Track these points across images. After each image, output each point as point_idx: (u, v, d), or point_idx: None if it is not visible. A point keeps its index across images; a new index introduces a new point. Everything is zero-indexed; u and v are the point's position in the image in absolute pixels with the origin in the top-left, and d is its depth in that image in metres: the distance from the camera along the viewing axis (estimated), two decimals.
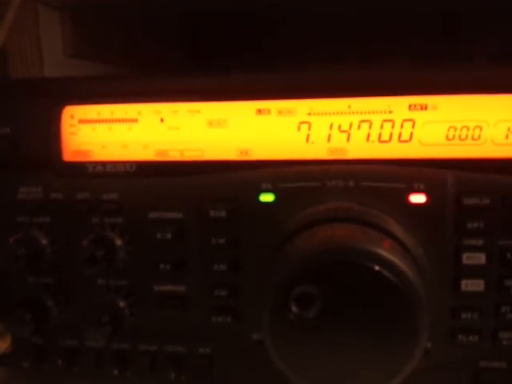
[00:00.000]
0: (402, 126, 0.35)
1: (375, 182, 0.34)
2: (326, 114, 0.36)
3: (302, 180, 0.35)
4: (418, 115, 0.35)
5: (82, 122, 0.38)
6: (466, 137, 0.35)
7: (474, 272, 0.34)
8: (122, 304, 0.37)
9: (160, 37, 0.69)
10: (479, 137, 0.35)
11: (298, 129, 0.36)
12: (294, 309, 0.28)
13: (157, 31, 0.69)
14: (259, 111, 0.36)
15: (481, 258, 0.34)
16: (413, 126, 0.35)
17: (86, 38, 0.58)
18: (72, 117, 0.38)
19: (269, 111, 0.36)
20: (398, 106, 0.35)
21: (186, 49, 0.72)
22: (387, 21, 0.53)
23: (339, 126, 0.36)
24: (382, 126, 0.35)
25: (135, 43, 0.65)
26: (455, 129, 0.35)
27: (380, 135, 0.35)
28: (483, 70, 0.35)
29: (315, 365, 0.29)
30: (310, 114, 0.36)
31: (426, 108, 0.35)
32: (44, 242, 0.37)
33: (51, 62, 0.53)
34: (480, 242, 0.34)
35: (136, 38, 0.65)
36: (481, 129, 0.35)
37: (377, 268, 0.28)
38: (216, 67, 0.38)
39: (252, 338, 0.37)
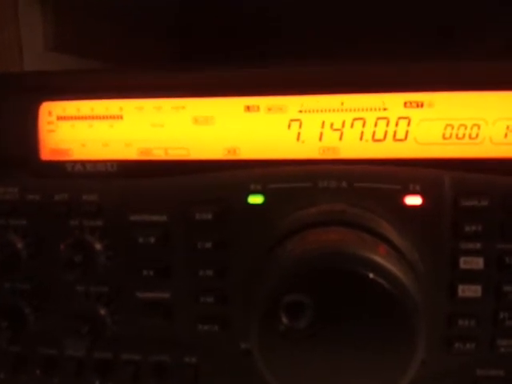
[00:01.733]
0: (396, 124, 0.34)
1: (369, 182, 0.32)
2: (317, 111, 0.34)
3: (293, 181, 0.33)
4: (413, 113, 0.33)
5: (60, 118, 0.36)
6: (464, 136, 0.34)
7: (471, 277, 0.33)
8: (102, 312, 0.35)
9: (146, 30, 0.67)
10: (477, 135, 0.33)
11: (289, 127, 0.34)
12: (284, 319, 0.27)
13: (142, 24, 0.67)
14: (248, 108, 0.34)
15: (478, 263, 0.33)
16: (408, 124, 0.34)
17: (69, 31, 0.55)
18: (50, 113, 0.36)
19: (258, 108, 0.34)
20: (392, 102, 0.34)
21: (172, 43, 0.70)
22: (381, 16, 0.52)
23: (331, 124, 0.34)
24: (376, 124, 0.34)
25: (120, 37, 0.63)
26: (452, 127, 0.34)
27: (374, 133, 0.34)
28: (482, 66, 0.34)
29: (306, 378, 0.28)
30: (301, 111, 0.34)
31: (422, 105, 0.33)
32: (20, 245, 0.35)
33: (31, 56, 0.51)
34: (478, 246, 0.33)
35: (121, 31, 0.63)
36: (479, 127, 0.33)
37: (371, 275, 0.26)
38: (204, 62, 0.36)
39: (240, 346, 0.35)
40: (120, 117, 0.35)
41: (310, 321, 0.27)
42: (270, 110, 0.34)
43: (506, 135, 0.33)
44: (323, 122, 0.34)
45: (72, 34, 0.56)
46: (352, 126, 0.34)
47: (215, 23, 0.63)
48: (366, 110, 0.34)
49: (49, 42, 0.53)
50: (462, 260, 0.33)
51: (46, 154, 0.36)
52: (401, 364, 0.27)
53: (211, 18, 0.64)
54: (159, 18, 0.68)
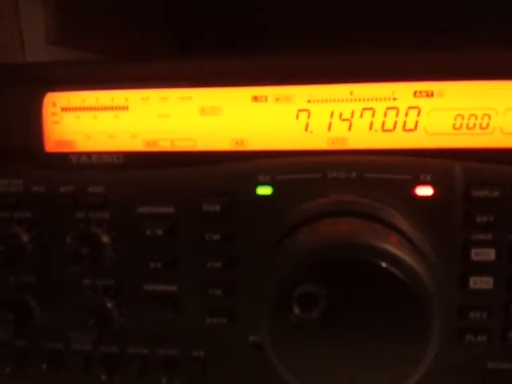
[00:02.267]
0: (406, 114, 0.33)
1: (379, 173, 0.32)
2: (326, 101, 0.34)
3: (302, 171, 0.33)
4: (423, 102, 0.33)
5: (64, 109, 0.35)
6: (474, 125, 0.33)
7: (482, 268, 0.32)
8: (109, 305, 0.35)
9: (147, 23, 0.67)
10: (487, 125, 0.33)
11: (297, 117, 0.34)
12: (297, 310, 0.26)
13: (143, 17, 0.66)
14: (255, 98, 0.34)
15: (490, 254, 0.32)
16: (418, 113, 0.33)
17: (70, 24, 0.55)
18: (54, 104, 0.35)
19: (265, 98, 0.34)
20: (402, 92, 0.33)
21: (173, 36, 0.70)
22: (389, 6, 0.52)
23: (340, 114, 0.34)
24: (385, 114, 0.33)
25: (121, 30, 0.62)
26: (462, 117, 0.33)
27: (383, 124, 0.33)
28: (492, 55, 0.33)
29: (319, 370, 0.27)
30: (309, 101, 0.34)
31: (432, 95, 0.33)
32: (25, 238, 0.35)
33: (33, 49, 0.50)
34: (489, 237, 0.32)
35: (122, 24, 0.62)
36: (489, 117, 0.33)
37: (384, 265, 0.26)
38: (207, 52, 0.35)
39: (248, 339, 0.35)
40: (125, 107, 0.35)
41: (322, 312, 0.26)
42: (277, 99, 0.34)
43: None
44: (332, 112, 0.34)
45: (73, 27, 0.55)
46: (361, 115, 0.33)
47: (216, 13, 0.63)
48: (376, 99, 0.33)
49: (50, 35, 0.53)
50: (473, 251, 0.32)
51: (50, 146, 0.36)
52: (415, 355, 0.27)
53: (212, 9, 0.63)
54: (159, 10, 0.68)
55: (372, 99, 0.33)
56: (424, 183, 0.32)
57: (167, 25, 0.70)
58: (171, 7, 0.68)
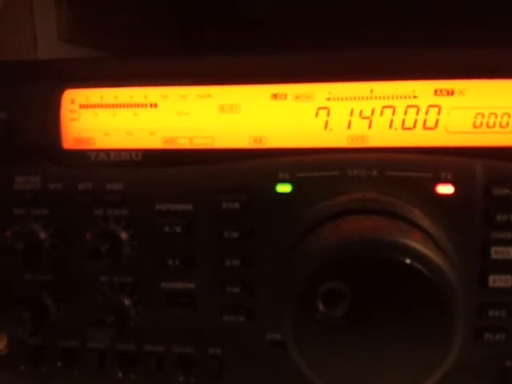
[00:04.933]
0: (427, 113, 0.33)
1: (400, 171, 0.32)
2: (346, 98, 0.33)
3: (321, 169, 0.33)
4: (444, 101, 0.33)
5: (83, 106, 0.35)
6: (494, 124, 0.33)
7: (502, 267, 0.32)
8: (126, 302, 0.35)
9: (158, 23, 0.67)
10: (507, 124, 0.33)
11: (316, 115, 0.34)
12: (321, 307, 0.26)
13: (155, 16, 0.66)
14: (275, 96, 0.34)
15: (510, 253, 0.32)
16: (438, 112, 0.33)
17: (83, 22, 0.55)
18: (72, 101, 0.35)
19: (285, 96, 0.34)
20: (423, 90, 0.33)
21: (185, 35, 0.70)
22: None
23: (360, 112, 0.34)
24: (405, 112, 0.33)
25: (134, 29, 0.62)
26: (482, 116, 0.33)
27: (404, 122, 0.33)
28: None
29: (342, 368, 0.27)
30: (329, 98, 0.33)
31: (452, 93, 0.33)
32: (42, 235, 0.35)
33: (45, 47, 0.50)
34: (510, 236, 0.32)
35: (135, 23, 0.62)
36: (509, 116, 0.33)
37: (409, 261, 0.26)
38: (222, 50, 0.35)
39: (266, 338, 0.34)
40: (144, 105, 0.35)
41: (346, 309, 0.26)
42: (297, 97, 0.34)
43: None
44: (352, 110, 0.34)
45: (85, 25, 0.55)
46: (381, 114, 0.33)
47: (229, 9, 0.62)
48: (396, 97, 0.33)
49: (62, 32, 0.53)
50: (493, 250, 0.32)
51: (68, 143, 0.36)
52: (438, 353, 0.26)
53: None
54: (173, 9, 0.68)
55: (392, 97, 0.33)
56: (445, 181, 0.32)
57: (178, 22, 0.70)
58: (182, 3, 0.67)
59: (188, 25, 0.69)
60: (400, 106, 0.33)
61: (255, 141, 0.34)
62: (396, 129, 0.33)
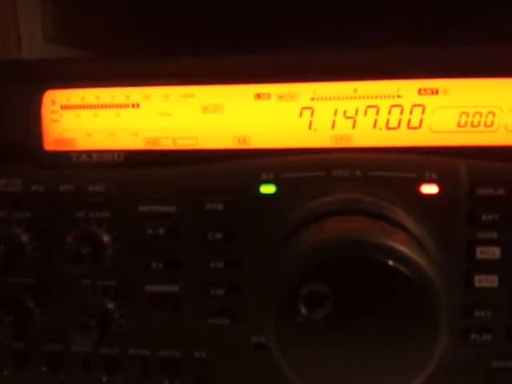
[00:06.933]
0: (411, 112, 0.33)
1: (384, 171, 0.32)
2: (330, 98, 0.33)
3: (306, 170, 0.32)
4: (428, 100, 0.33)
5: (64, 107, 0.35)
6: (479, 123, 0.33)
7: (488, 267, 0.32)
8: (110, 305, 0.34)
9: (145, 22, 0.66)
10: (492, 123, 0.33)
11: (300, 115, 0.33)
12: (303, 309, 0.26)
13: (141, 16, 0.65)
14: (258, 96, 0.33)
15: (495, 253, 0.32)
16: (423, 111, 0.33)
17: (68, 21, 0.54)
18: (54, 102, 0.35)
19: (269, 96, 0.33)
20: (407, 90, 0.33)
21: (173, 35, 0.69)
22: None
23: (344, 112, 0.33)
24: (389, 112, 0.33)
25: (120, 28, 0.62)
26: (467, 115, 0.33)
27: (388, 122, 0.33)
28: (497, 52, 0.33)
29: (325, 370, 0.27)
30: (313, 98, 0.33)
31: (436, 92, 0.33)
32: (24, 238, 0.34)
33: (30, 47, 0.50)
34: (494, 236, 0.32)
35: (121, 22, 0.62)
36: (494, 115, 0.33)
37: (392, 263, 0.26)
38: (208, 49, 0.35)
39: (251, 340, 0.34)
40: (126, 105, 0.34)
41: (328, 311, 0.26)
42: (281, 97, 0.33)
43: None
44: (336, 110, 0.33)
45: (70, 24, 0.55)
46: (365, 113, 0.33)
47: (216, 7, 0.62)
48: (380, 97, 0.33)
49: (47, 32, 0.52)
50: (478, 250, 0.32)
51: (49, 144, 0.35)
52: (422, 355, 0.26)
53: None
54: (158, 8, 0.67)
55: (376, 97, 0.33)
56: (429, 181, 0.32)
57: (166, 21, 0.69)
58: (173, 4, 0.67)
59: (174, 25, 0.68)
60: (384, 105, 0.33)
61: (239, 141, 0.34)
62: (380, 128, 0.33)
